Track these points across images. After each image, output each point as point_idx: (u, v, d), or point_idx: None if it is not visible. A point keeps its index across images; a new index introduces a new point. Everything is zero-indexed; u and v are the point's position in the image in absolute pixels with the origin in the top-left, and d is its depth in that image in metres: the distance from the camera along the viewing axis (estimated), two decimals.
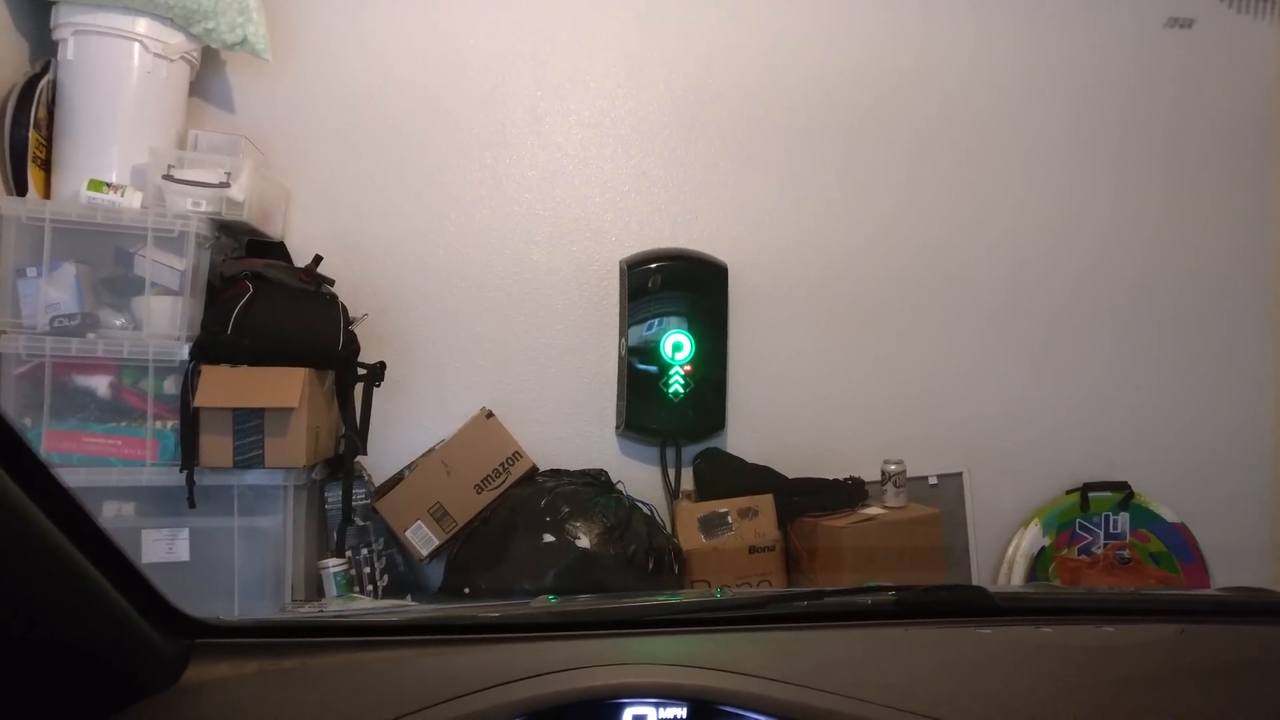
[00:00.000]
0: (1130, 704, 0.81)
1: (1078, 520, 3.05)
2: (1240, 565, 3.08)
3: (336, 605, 2.41)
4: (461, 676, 0.81)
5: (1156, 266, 3.19)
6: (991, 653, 0.92)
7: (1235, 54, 3.23)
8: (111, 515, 2.28)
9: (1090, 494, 3.05)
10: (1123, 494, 3.06)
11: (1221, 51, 3.22)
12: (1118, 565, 3.04)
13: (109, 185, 2.23)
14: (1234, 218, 3.21)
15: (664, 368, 2.82)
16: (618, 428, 2.88)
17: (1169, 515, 3.07)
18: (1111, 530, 3.05)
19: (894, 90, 3.06)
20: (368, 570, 2.62)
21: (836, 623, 0.99)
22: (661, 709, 0.76)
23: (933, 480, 3.02)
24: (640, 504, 2.68)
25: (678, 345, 2.82)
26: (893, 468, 2.78)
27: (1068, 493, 3.09)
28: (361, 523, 2.62)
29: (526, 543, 2.47)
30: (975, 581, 2.99)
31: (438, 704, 0.75)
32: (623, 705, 0.77)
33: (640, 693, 0.77)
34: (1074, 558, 3.03)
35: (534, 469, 2.69)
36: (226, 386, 2.27)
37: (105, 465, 2.23)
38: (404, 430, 2.74)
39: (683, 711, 0.76)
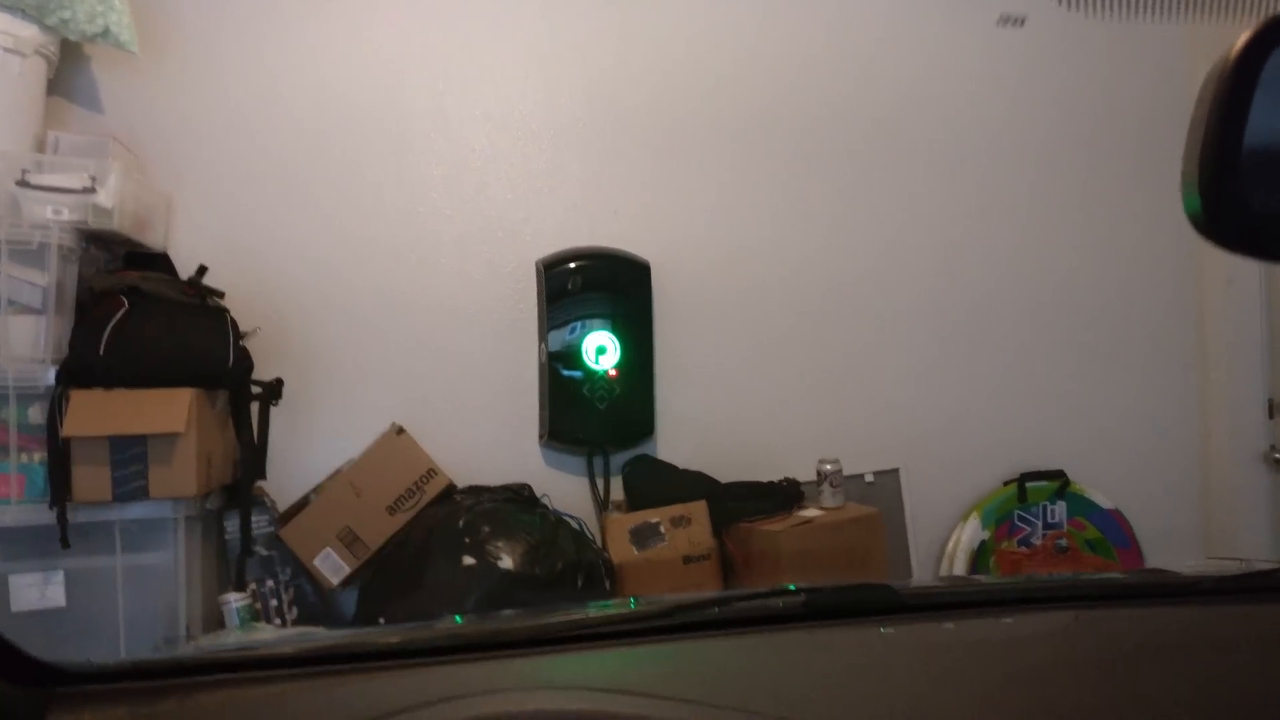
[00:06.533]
0: (1024, 696, 0.81)
1: (1016, 511, 3.00)
2: (1174, 548, 3.08)
3: (237, 637, 2.24)
4: (347, 709, 0.78)
5: (1086, 260, 3.15)
6: (892, 652, 0.94)
7: (1146, 49, 3.21)
8: None
9: (1027, 483, 3.01)
10: (1059, 482, 3.02)
11: (1139, 47, 3.20)
12: (1056, 555, 3.01)
13: None
14: (1161, 212, 3.17)
15: (588, 373, 2.68)
16: (541, 438, 2.73)
17: (1103, 502, 3.05)
18: (1049, 520, 3.02)
19: (821, 88, 2.96)
20: (274, 603, 2.45)
21: (744, 629, 0.97)
22: None
23: (869, 478, 2.94)
24: (567, 518, 2.55)
25: (601, 349, 2.69)
26: (828, 467, 2.69)
27: (1005, 483, 3.04)
28: (265, 552, 2.44)
29: (445, 566, 2.32)
30: (915, 579, 2.93)
31: None
32: None
33: None
34: (1014, 549, 2.98)
35: (451, 487, 2.53)
36: (100, 412, 2.07)
37: None
38: (308, 451, 2.55)
39: None
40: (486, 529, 2.36)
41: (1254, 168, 0.57)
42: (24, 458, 2.08)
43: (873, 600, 1.02)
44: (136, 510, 2.12)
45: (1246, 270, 3.10)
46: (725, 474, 2.73)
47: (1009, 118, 3.11)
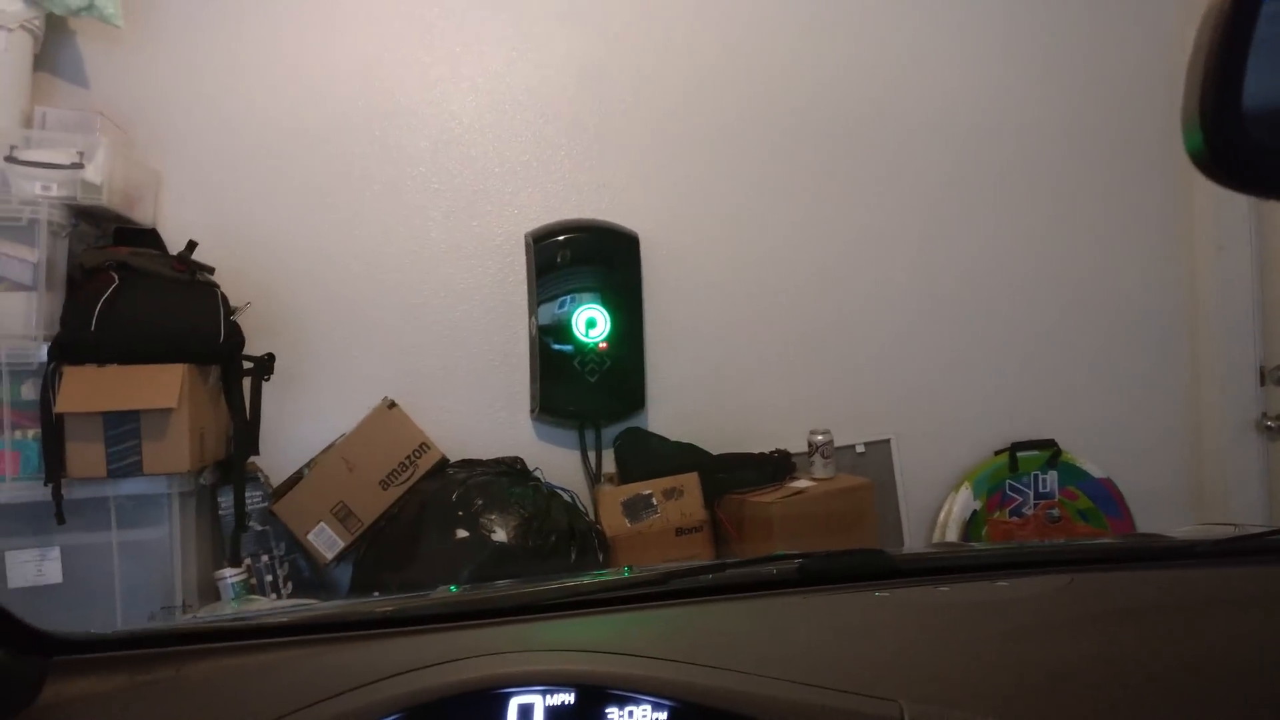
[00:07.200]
0: (1020, 655, 0.82)
1: (1007, 481, 3.01)
2: (1165, 516, 3.08)
3: (232, 608, 2.26)
4: (341, 675, 0.78)
5: (1076, 229, 3.14)
6: (887, 615, 0.94)
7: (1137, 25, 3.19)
8: None
9: (1018, 453, 3.01)
10: (1050, 451, 3.03)
11: (1127, 19, 3.18)
12: (1048, 524, 3.02)
13: None
14: (1151, 178, 3.17)
15: (578, 346, 2.69)
16: (532, 412, 2.74)
17: (1095, 471, 3.05)
18: (1041, 489, 3.03)
19: (810, 60, 2.95)
20: (269, 578, 2.47)
21: (738, 594, 0.97)
22: (548, 696, 0.75)
23: (860, 449, 2.95)
24: (560, 491, 2.55)
25: (591, 322, 2.69)
26: (819, 438, 2.70)
27: (996, 453, 3.05)
28: (260, 528, 2.46)
29: (438, 540, 2.33)
30: (908, 548, 2.94)
31: (307, 706, 0.73)
32: (508, 695, 0.75)
33: (526, 681, 0.75)
34: (1006, 520, 2.99)
35: (444, 461, 2.54)
36: (94, 388, 2.08)
37: None
38: (301, 426, 2.56)
39: (570, 697, 0.75)
40: (480, 502, 2.37)
41: (1257, 103, 0.55)
42: (18, 434, 2.08)
43: (867, 565, 1.03)
44: (131, 486, 2.13)
45: (1237, 237, 3.09)
46: (717, 446, 2.74)
47: (995, 88, 3.09)
